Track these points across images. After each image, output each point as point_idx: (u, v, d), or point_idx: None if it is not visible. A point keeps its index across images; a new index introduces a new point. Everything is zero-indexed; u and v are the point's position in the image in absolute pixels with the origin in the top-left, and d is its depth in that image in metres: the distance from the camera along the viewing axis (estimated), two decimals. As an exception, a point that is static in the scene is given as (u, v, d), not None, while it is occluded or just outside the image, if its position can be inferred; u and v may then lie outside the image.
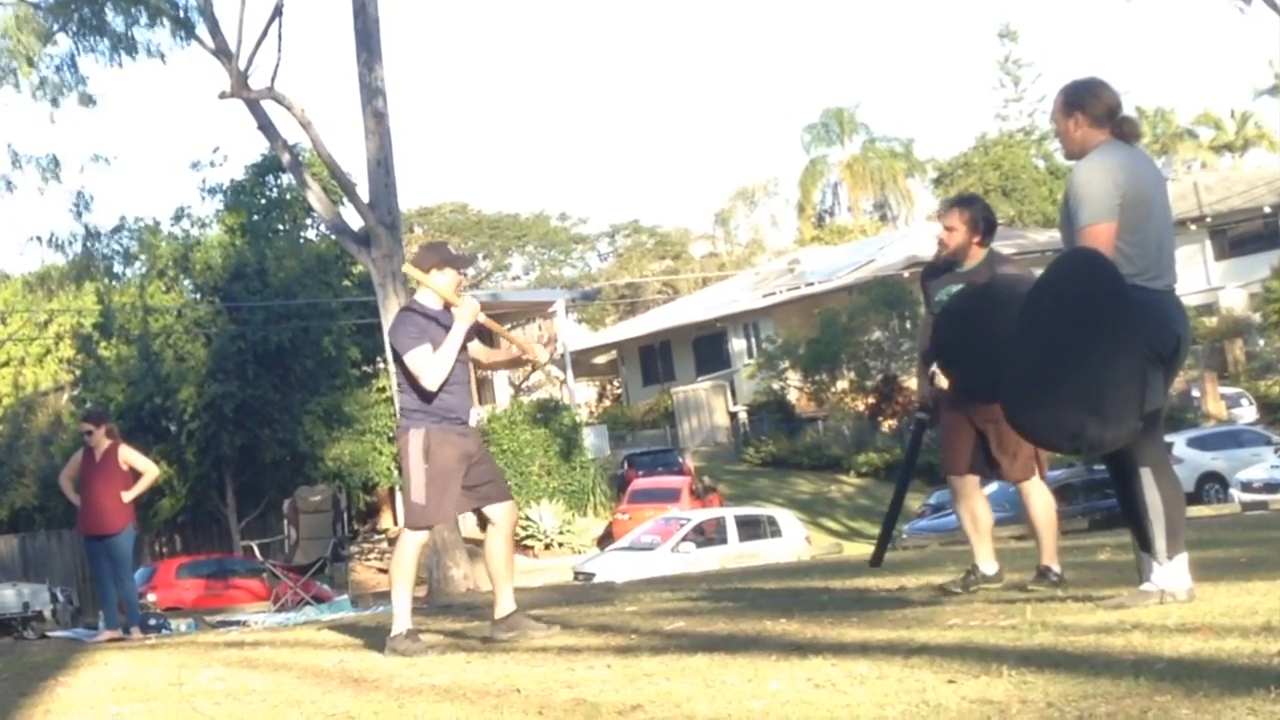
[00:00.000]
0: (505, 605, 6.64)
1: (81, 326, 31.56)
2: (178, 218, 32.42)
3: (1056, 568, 6.77)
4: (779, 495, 35.02)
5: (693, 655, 5.14)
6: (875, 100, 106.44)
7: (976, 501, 7.00)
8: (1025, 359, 5.24)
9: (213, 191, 32.29)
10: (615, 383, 54.54)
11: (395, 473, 30.72)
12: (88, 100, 21.90)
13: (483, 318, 6.66)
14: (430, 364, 6.40)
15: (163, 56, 21.30)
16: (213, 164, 32.33)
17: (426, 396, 6.45)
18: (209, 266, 30.79)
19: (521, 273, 69.96)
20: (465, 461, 6.54)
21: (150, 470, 11.75)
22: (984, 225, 6.82)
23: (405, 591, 6.48)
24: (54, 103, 21.64)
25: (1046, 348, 5.14)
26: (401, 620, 6.43)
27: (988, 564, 6.79)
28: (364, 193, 19.15)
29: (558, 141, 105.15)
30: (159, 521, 29.66)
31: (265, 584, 21.20)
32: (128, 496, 11.38)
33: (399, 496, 33.59)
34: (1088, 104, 5.44)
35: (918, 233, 47.92)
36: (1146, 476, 5.25)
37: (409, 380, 6.51)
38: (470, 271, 68.63)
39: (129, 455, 11.60)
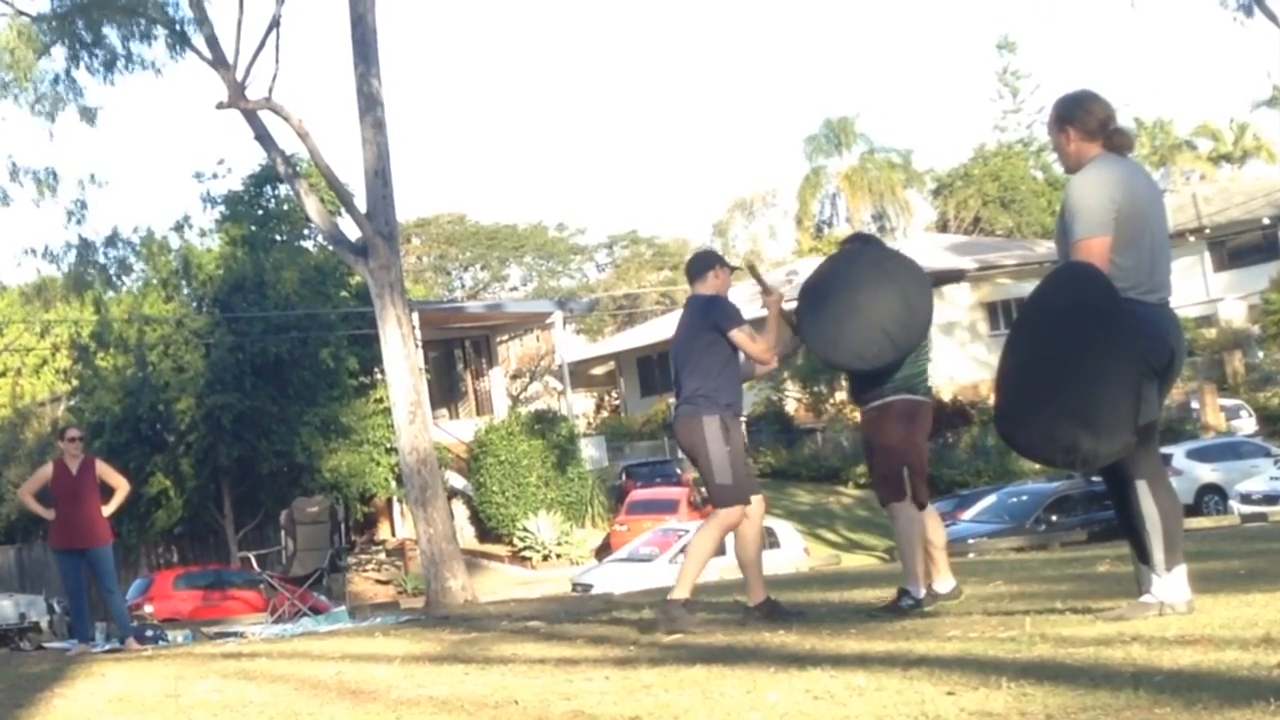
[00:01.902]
0: (758, 593, 6.95)
1: (79, 337, 31.52)
2: (178, 228, 32.45)
3: (918, 591, 6.87)
4: (777, 506, 34.92)
5: (691, 667, 5.13)
6: (874, 111, 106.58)
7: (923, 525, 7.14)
8: (1019, 373, 5.25)
9: (214, 202, 32.32)
10: (613, 394, 54.54)
11: (393, 484, 30.71)
12: (87, 115, 21.88)
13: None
14: (764, 343, 6.95)
15: (158, 70, 21.29)
16: (215, 175, 32.36)
17: (722, 388, 6.84)
18: (208, 277, 30.80)
19: (519, 283, 69.98)
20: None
21: (124, 486, 11.64)
22: None
23: (699, 567, 6.79)
24: (50, 117, 21.63)
25: (1040, 362, 5.15)
26: (683, 589, 6.71)
27: (941, 582, 7.06)
28: (361, 203, 19.15)
29: (555, 152, 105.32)
30: (156, 532, 29.62)
31: (262, 595, 21.15)
32: (107, 511, 11.30)
33: (397, 507, 33.56)
34: (1078, 118, 5.45)
35: (916, 244, 47.92)
36: (1143, 489, 5.26)
37: (705, 364, 6.89)
38: (468, 282, 68.70)
39: (104, 470, 11.50)
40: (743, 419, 7.25)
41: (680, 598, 6.69)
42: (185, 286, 31.51)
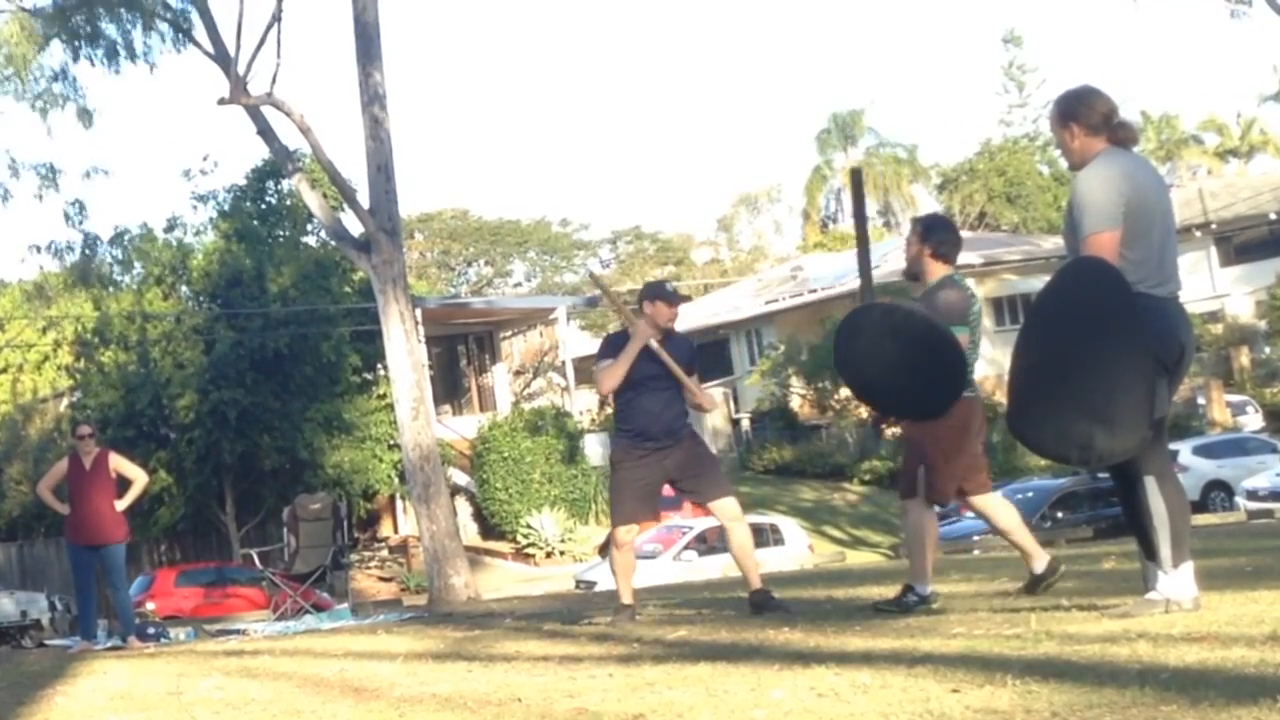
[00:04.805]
0: (752, 583, 7.48)
1: (81, 332, 31.52)
2: (170, 227, 32.37)
3: (925, 589, 6.78)
4: (782, 503, 34.94)
5: (695, 664, 5.11)
6: (880, 106, 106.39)
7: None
8: (1031, 370, 5.21)
9: (204, 199, 32.18)
10: (617, 390, 54.42)
11: (396, 480, 30.69)
12: (85, 116, 21.86)
13: (654, 345, 7.35)
14: (602, 375, 7.38)
15: (151, 64, 21.22)
16: (203, 172, 32.22)
17: (620, 414, 7.50)
18: (206, 273, 30.75)
19: (523, 279, 69.98)
20: (650, 473, 7.44)
21: (140, 478, 11.59)
22: (933, 238, 6.81)
23: (620, 578, 7.57)
24: (60, 105, 21.60)
25: (1053, 358, 5.11)
26: (622, 595, 7.49)
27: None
28: (364, 199, 19.14)
29: (559, 147, 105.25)
30: (158, 529, 29.59)
31: (265, 592, 21.13)
32: (121, 505, 11.26)
33: (399, 504, 33.60)
34: (1081, 114, 5.43)
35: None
36: (1151, 485, 5.23)
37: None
38: (472, 278, 68.67)
39: (118, 463, 11.46)
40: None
41: (625, 603, 7.38)
42: (182, 283, 31.48)
